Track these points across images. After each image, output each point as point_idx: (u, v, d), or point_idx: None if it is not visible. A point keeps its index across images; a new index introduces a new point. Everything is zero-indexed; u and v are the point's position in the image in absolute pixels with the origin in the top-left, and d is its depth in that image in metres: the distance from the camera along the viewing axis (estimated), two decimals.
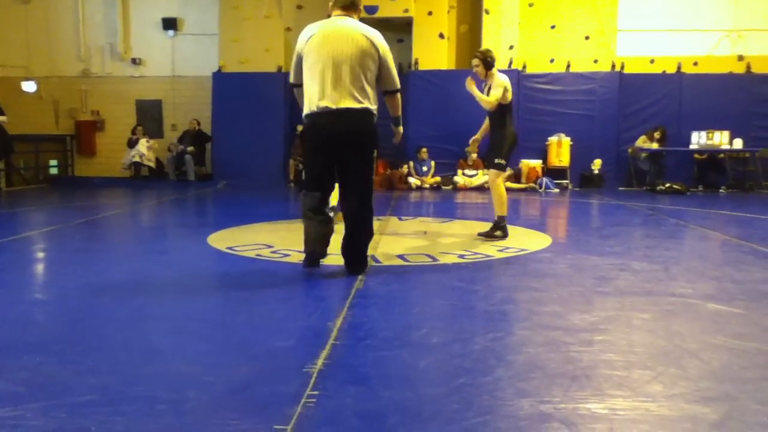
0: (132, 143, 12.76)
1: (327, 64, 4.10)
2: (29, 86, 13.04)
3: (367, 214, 4.35)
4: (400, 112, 4.58)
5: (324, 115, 4.12)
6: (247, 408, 2.23)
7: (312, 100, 4.17)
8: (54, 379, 2.48)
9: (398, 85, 4.42)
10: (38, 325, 3.34)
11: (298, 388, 2.38)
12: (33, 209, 8.91)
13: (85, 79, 13.42)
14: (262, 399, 2.31)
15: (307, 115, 4.24)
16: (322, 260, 4.53)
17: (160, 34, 13.26)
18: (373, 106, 4.23)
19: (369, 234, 4.43)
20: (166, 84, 13.46)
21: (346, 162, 4.24)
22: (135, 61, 13.35)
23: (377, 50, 4.20)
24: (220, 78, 12.42)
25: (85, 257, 5.20)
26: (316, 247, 4.36)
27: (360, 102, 4.13)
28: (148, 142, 12.80)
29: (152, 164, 12.90)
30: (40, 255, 5.50)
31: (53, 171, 13.53)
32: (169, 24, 13.16)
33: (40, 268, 5.07)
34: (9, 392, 2.35)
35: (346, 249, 4.37)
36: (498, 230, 5.94)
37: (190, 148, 12.68)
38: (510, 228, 6.03)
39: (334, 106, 4.09)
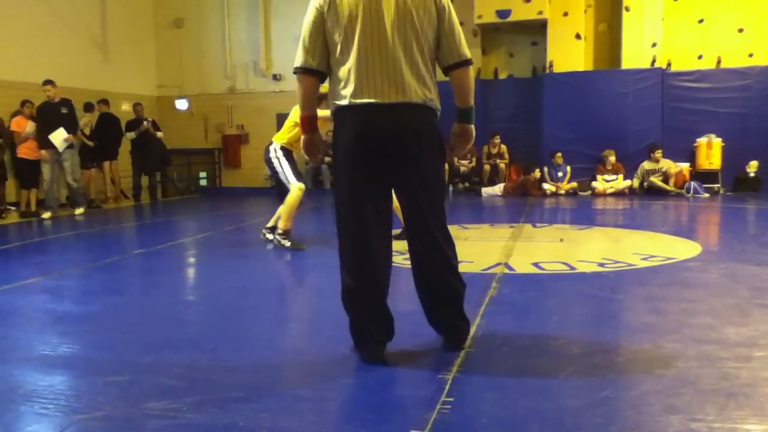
0: None
1: None
2: (182, 104, 14.13)
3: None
4: None
5: None
6: (383, 410, 2.26)
7: None
8: (206, 375, 2.65)
9: None
10: (192, 324, 3.60)
11: (433, 393, 2.38)
12: (186, 218, 9.63)
13: (230, 96, 14.32)
14: (397, 402, 2.33)
15: None
16: None
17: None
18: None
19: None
20: None
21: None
22: (275, 77, 14.04)
23: None
24: None
25: (234, 262, 5.52)
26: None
27: None
28: None
29: None
30: (193, 259, 5.92)
31: (202, 182, 14.58)
32: None
33: (192, 271, 5.45)
34: (168, 386, 2.53)
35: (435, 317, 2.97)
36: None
37: (327, 159, 13.13)
38: (655, 235, 5.67)
39: None
